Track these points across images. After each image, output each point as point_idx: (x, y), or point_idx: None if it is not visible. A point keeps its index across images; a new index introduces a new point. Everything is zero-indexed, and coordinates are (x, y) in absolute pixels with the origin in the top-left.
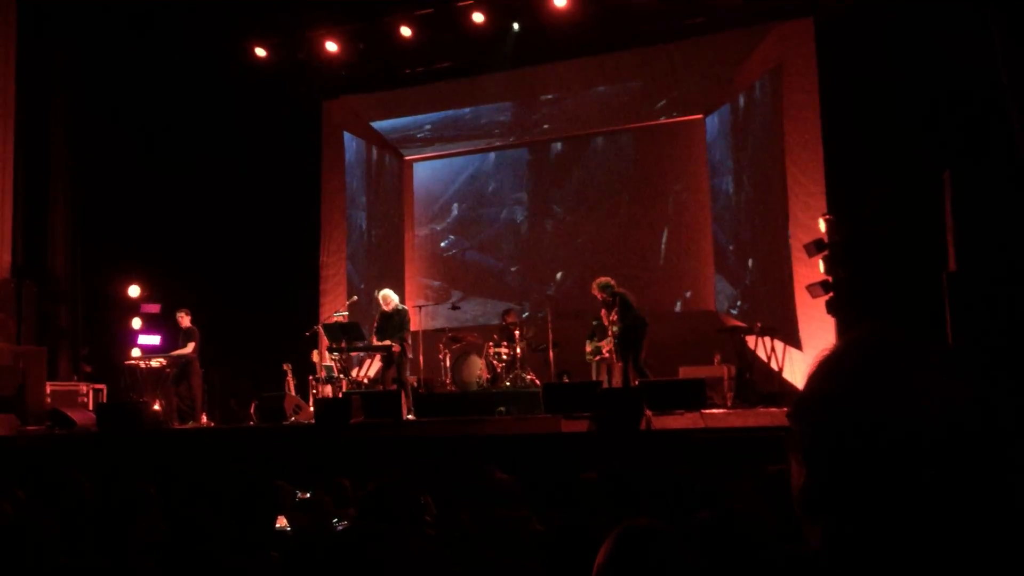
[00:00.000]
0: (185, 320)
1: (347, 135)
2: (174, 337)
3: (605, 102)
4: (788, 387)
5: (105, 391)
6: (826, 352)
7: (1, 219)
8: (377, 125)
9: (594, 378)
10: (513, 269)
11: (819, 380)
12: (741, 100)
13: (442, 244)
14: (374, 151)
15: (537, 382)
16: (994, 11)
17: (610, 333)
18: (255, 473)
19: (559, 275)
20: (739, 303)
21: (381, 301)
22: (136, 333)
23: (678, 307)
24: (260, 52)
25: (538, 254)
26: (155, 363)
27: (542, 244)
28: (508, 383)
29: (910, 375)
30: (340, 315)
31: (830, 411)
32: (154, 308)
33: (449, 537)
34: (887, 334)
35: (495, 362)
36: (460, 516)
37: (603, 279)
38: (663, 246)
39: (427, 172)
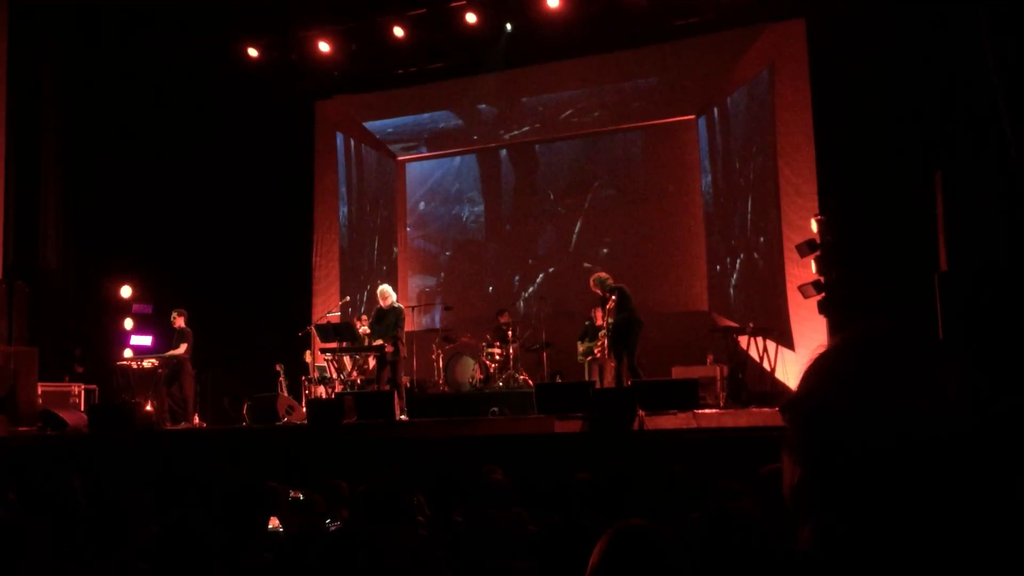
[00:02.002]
0: (179, 321)
1: (340, 135)
2: (166, 337)
3: (597, 102)
4: (781, 387)
5: (97, 392)
6: (821, 351)
7: None
8: (370, 125)
9: (587, 378)
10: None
11: (814, 379)
12: (733, 101)
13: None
14: (367, 151)
15: (530, 382)
16: (984, 12)
17: (604, 325)
18: (248, 474)
19: (542, 275)
20: (731, 303)
21: (379, 296)
22: (128, 334)
23: (670, 307)
24: (252, 52)
25: (527, 255)
26: (147, 364)
27: (533, 244)
28: (501, 383)
29: (904, 375)
30: (333, 315)
31: (825, 410)
32: (146, 308)
33: (442, 538)
34: (881, 333)
35: (488, 362)
36: (453, 517)
37: (599, 274)
38: (655, 246)
39: (418, 172)
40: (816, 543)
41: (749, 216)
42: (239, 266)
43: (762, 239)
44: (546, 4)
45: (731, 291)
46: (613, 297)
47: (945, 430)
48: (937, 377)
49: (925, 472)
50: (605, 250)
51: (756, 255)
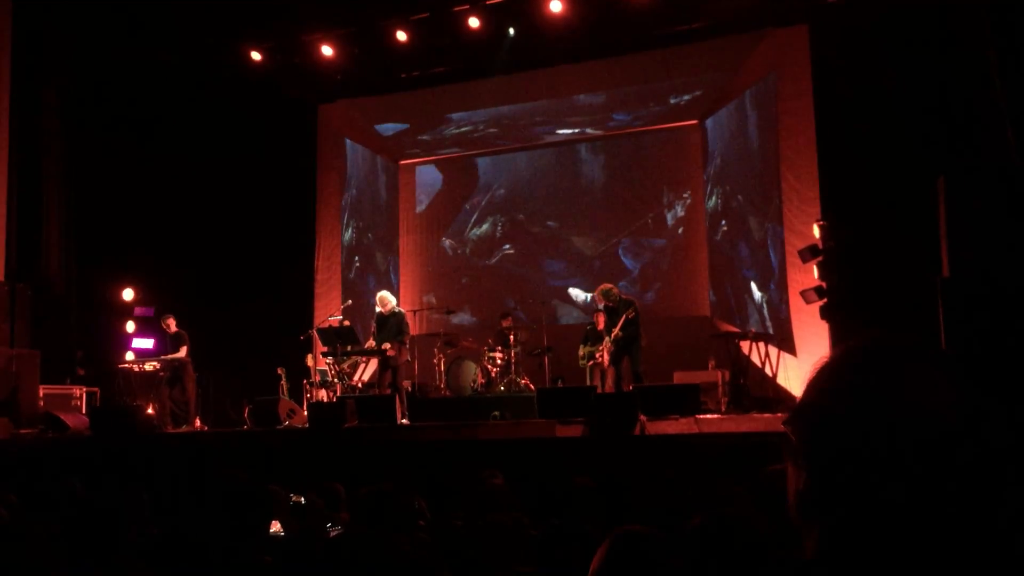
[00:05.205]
0: (172, 325)
1: (343, 139)
2: (168, 341)
3: (600, 107)
4: (782, 392)
5: (99, 395)
6: (824, 359)
7: None
8: (372, 129)
9: (588, 383)
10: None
11: (818, 387)
12: (736, 106)
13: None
14: (370, 155)
15: (532, 387)
16: (986, 18)
17: (612, 335)
18: (249, 477)
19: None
20: (733, 308)
21: (378, 303)
22: (130, 336)
23: (672, 312)
24: (255, 56)
25: (540, 260)
26: (149, 367)
27: (543, 252)
28: (503, 388)
29: (906, 382)
30: (335, 319)
31: (829, 417)
32: (148, 311)
33: (443, 542)
34: (884, 342)
35: (490, 366)
36: (454, 521)
37: (605, 286)
38: (658, 251)
39: (418, 175)
40: (821, 549)
41: (751, 221)
42: (241, 269)
43: (764, 243)
44: (549, 9)
45: (733, 296)
46: (632, 313)
47: (944, 436)
48: (936, 385)
49: (924, 478)
50: (608, 254)
51: (758, 260)
